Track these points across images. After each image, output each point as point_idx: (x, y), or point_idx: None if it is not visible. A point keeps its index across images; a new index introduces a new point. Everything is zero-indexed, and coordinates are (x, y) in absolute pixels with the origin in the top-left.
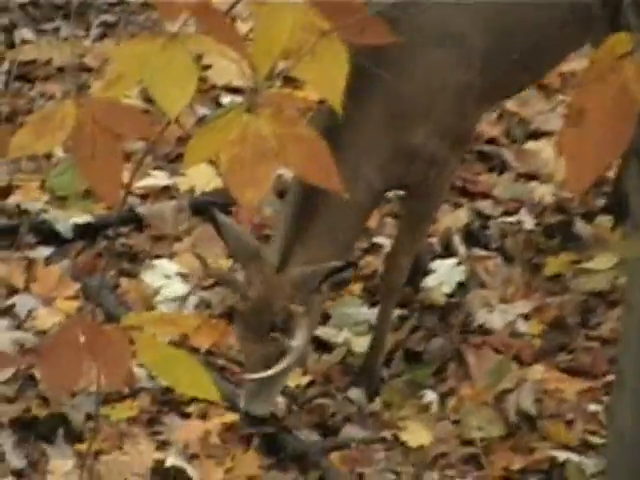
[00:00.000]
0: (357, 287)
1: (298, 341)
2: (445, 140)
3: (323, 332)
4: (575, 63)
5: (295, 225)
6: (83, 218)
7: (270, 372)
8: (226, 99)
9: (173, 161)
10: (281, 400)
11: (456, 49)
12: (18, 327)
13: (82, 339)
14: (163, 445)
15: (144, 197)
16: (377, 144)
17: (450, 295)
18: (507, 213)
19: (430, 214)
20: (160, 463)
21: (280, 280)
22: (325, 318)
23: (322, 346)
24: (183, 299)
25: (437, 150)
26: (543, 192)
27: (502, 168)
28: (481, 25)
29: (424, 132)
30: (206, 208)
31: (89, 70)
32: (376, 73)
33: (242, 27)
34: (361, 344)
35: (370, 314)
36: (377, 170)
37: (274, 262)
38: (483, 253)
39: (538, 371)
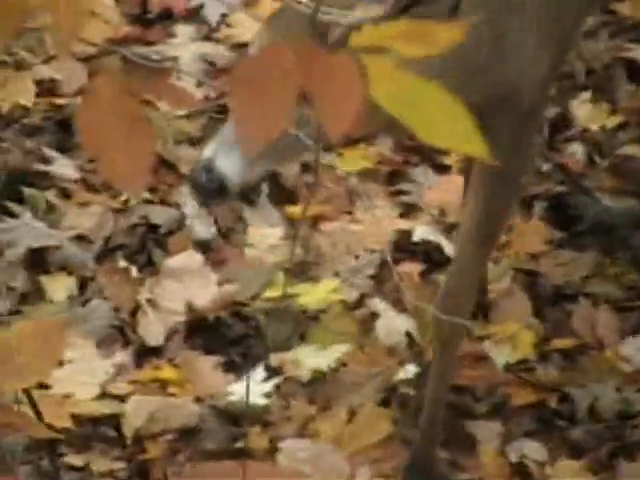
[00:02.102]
0: None
1: None
2: None
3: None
4: None
5: None
6: None
7: None
8: None
9: None
10: (577, 149)
11: None
12: (207, 38)
13: (291, 62)
14: (410, 210)
15: None
16: None
17: None
18: None
19: None
20: (405, 235)
21: None
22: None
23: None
24: None
25: None
26: None
27: None
28: None
29: None
30: None
31: None
32: None
33: None
34: None
35: None
36: None
37: None
38: None
39: None
